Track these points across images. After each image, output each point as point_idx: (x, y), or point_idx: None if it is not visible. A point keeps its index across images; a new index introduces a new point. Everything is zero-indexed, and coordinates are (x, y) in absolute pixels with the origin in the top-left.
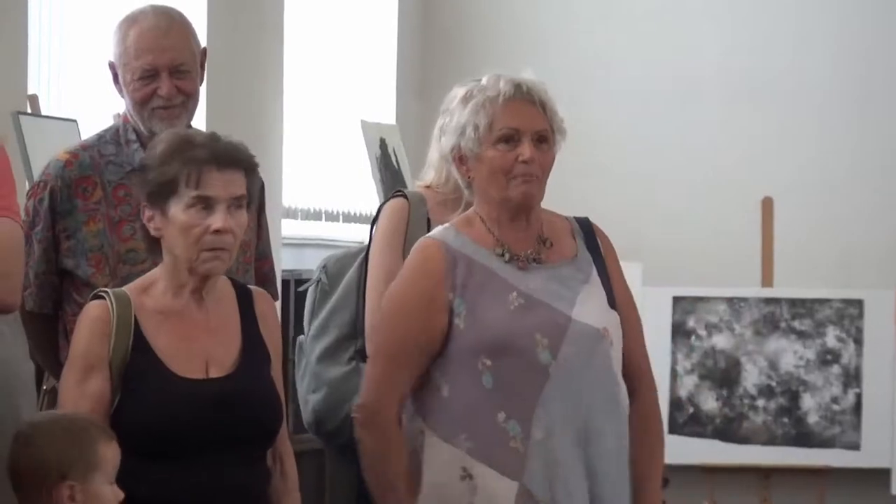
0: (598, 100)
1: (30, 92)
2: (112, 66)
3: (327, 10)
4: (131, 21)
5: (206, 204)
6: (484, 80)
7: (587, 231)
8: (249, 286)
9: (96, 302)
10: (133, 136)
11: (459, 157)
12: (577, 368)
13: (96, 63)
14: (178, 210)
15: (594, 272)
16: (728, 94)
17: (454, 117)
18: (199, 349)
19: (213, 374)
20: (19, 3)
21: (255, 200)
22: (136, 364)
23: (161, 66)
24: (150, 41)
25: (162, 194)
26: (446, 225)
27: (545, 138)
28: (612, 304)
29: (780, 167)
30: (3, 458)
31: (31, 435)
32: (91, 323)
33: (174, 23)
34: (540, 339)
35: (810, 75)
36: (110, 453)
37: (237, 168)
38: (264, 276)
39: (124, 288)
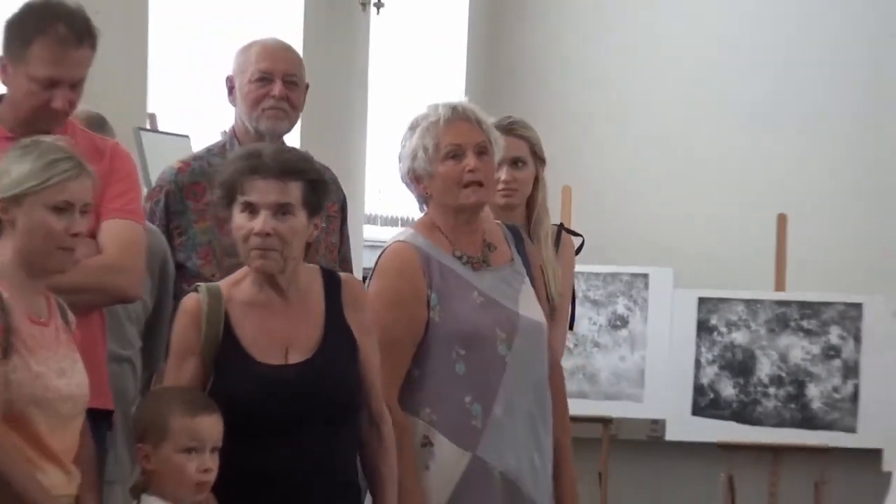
0: (636, 126)
1: (149, 111)
2: (229, 79)
3: (407, 46)
4: (255, 42)
5: (252, 209)
6: (425, 110)
7: (518, 238)
8: (340, 274)
9: (191, 295)
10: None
11: (416, 178)
12: (527, 358)
13: (206, 86)
14: (235, 213)
15: (526, 274)
16: (750, 125)
17: (405, 145)
18: (280, 336)
19: (293, 359)
20: (142, 36)
21: (320, 207)
22: (224, 351)
23: (276, 72)
24: (271, 52)
25: (226, 199)
26: (409, 230)
27: (485, 149)
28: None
29: (793, 188)
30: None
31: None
32: (184, 315)
33: (291, 48)
34: (499, 334)
35: (822, 109)
36: (185, 426)
37: (283, 178)
38: None
39: (219, 282)
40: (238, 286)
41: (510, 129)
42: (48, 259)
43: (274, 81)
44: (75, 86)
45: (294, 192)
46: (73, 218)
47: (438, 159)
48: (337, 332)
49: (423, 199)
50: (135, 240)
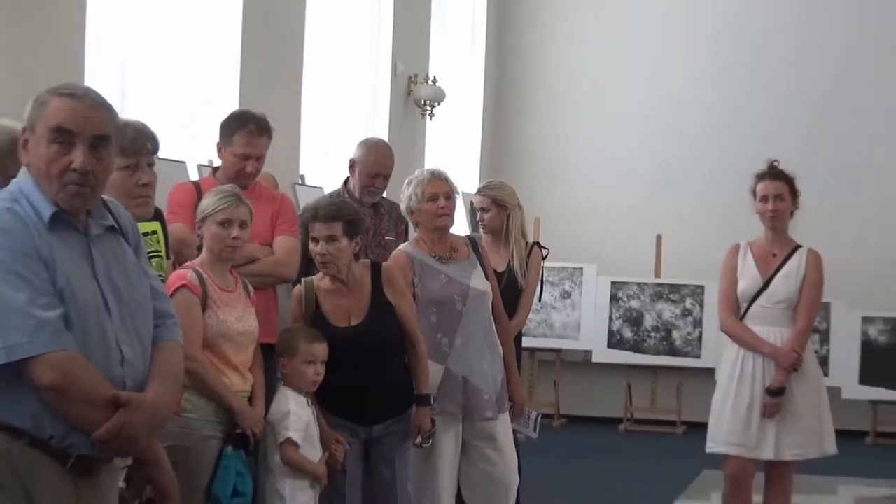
0: (580, 185)
1: (301, 172)
2: (354, 162)
3: (448, 137)
4: (373, 144)
5: (315, 240)
6: (416, 172)
7: (474, 245)
8: (381, 264)
9: (298, 286)
10: (346, 197)
11: (411, 212)
12: (475, 311)
13: (335, 156)
14: (310, 243)
15: (478, 264)
16: (644, 185)
17: (405, 192)
18: (345, 309)
19: (353, 322)
20: (296, 129)
21: (357, 233)
22: (316, 319)
23: (383, 174)
24: (384, 158)
25: (305, 235)
26: (407, 243)
27: (450, 195)
28: (487, 279)
29: (666, 219)
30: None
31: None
32: (293, 298)
33: (392, 154)
34: (457, 298)
35: (688, 175)
36: (306, 348)
37: (328, 220)
38: None
39: (314, 276)
40: (323, 280)
41: (480, 190)
42: (221, 254)
43: (380, 176)
44: (259, 159)
45: (337, 227)
46: (233, 229)
47: (424, 201)
48: (379, 303)
49: (416, 224)
50: (293, 247)
